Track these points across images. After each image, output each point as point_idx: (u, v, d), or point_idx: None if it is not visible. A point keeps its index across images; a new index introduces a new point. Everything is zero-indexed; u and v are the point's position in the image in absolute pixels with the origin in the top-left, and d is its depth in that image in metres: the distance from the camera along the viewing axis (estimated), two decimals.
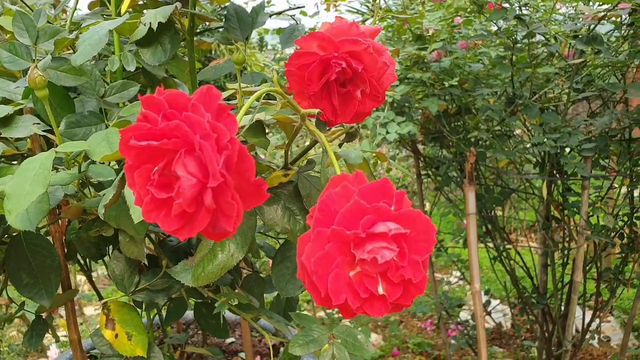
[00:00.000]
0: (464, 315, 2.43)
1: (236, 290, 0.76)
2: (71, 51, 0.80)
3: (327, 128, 0.52)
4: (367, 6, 1.81)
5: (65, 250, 0.79)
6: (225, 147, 0.30)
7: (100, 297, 0.90)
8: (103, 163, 0.76)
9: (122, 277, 0.64)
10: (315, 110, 0.42)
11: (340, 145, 0.67)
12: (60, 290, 0.71)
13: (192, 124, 0.31)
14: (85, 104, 0.80)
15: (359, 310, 0.34)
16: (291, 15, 0.91)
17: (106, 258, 0.73)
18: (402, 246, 0.33)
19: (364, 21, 1.72)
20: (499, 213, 2.04)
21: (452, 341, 2.12)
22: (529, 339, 2.26)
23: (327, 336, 0.64)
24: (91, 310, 2.48)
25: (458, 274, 2.77)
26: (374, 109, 0.55)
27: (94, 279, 0.90)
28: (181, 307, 0.80)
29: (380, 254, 0.32)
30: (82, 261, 0.85)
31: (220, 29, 0.89)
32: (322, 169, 0.47)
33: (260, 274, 0.82)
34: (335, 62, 0.46)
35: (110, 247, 0.71)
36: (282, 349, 1.10)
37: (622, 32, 1.52)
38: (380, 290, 0.34)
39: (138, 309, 0.67)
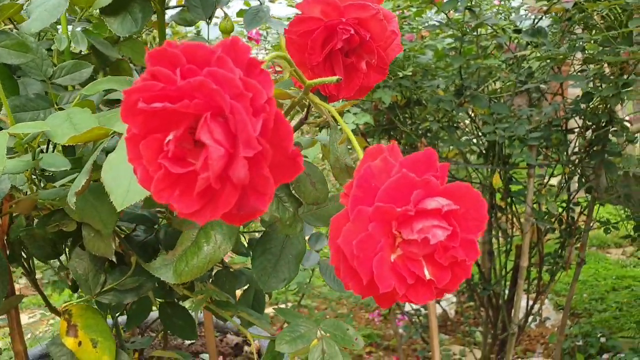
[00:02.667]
0: (411, 304, 2.46)
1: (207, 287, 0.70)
2: (12, 26, 0.70)
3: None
4: None
5: (8, 251, 0.70)
6: (262, 109, 0.25)
7: (47, 303, 0.81)
8: (54, 151, 0.67)
9: (86, 277, 0.56)
10: (334, 78, 0.37)
11: (320, 130, 0.63)
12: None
13: (220, 81, 0.26)
14: (27, 87, 0.71)
15: (404, 297, 0.30)
16: None
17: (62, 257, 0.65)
18: (453, 224, 0.29)
19: None
20: None
21: (401, 330, 2.13)
22: (473, 325, 2.32)
23: (315, 331, 0.60)
24: (25, 318, 2.29)
25: None
26: None
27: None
28: (145, 307, 0.73)
29: (432, 233, 0.29)
30: (25, 263, 0.76)
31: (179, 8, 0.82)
32: (332, 147, 0.43)
33: (231, 269, 0.77)
34: (342, 28, 0.42)
35: (68, 244, 0.63)
36: (245, 347, 1.04)
37: (561, 27, 1.58)
38: (427, 274, 0.30)
39: (102, 312, 0.60)
